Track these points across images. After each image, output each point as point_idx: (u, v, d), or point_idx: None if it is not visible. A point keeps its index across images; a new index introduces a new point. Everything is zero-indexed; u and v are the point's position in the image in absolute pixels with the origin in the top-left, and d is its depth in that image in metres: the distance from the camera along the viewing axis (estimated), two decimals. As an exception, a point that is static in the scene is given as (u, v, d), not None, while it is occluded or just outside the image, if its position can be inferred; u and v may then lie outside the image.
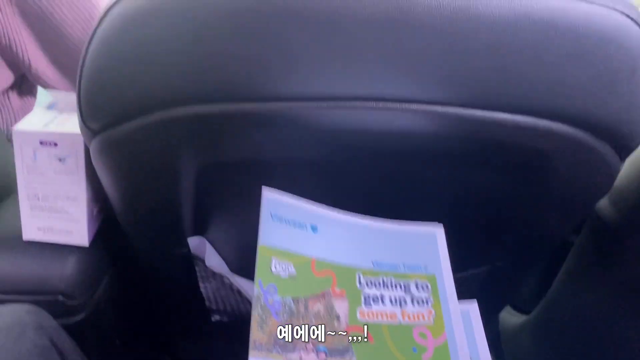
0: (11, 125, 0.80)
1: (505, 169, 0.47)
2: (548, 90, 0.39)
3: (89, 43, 0.39)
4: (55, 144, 0.52)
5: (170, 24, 0.37)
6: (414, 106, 0.40)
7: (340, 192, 0.48)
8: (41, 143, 0.52)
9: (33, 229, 0.57)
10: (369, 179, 0.49)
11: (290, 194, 0.47)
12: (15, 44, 0.68)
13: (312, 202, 0.48)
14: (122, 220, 0.56)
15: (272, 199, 0.46)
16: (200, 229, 0.57)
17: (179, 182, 0.48)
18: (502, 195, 0.50)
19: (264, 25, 0.36)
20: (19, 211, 0.57)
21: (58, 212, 0.56)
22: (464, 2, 0.35)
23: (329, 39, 0.37)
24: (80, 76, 0.41)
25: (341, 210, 0.48)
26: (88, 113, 0.43)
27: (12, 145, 0.70)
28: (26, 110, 0.82)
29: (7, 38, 0.67)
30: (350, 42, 0.37)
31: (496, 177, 0.48)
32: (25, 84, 0.79)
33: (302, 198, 0.48)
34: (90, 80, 0.40)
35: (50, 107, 0.57)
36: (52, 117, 0.55)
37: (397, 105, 0.40)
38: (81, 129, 0.46)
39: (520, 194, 0.49)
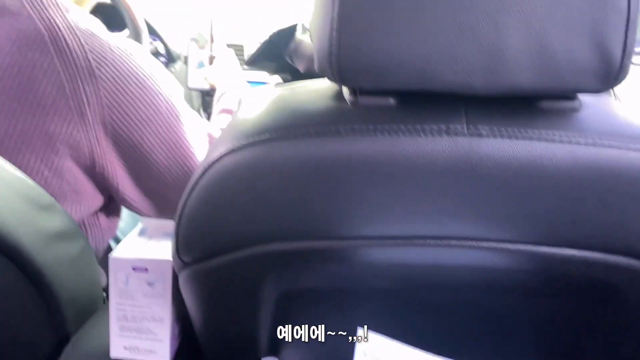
0: (99, 244, 0.86)
1: (577, 299, 0.48)
2: (614, 229, 0.41)
3: (191, 190, 0.44)
4: (146, 270, 0.57)
5: (260, 178, 0.42)
6: (485, 244, 0.43)
7: (415, 319, 0.50)
8: (134, 269, 0.57)
9: (120, 348, 0.60)
10: (441, 308, 0.51)
11: (383, 335, 0.49)
12: (108, 171, 0.76)
13: (406, 344, 0.50)
14: (201, 338, 0.59)
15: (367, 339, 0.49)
16: (274, 349, 0.59)
17: (259, 307, 0.52)
18: (575, 322, 0.51)
19: (343, 178, 0.41)
20: (105, 327, 0.61)
21: (144, 333, 0.59)
22: (530, 158, 0.39)
23: (402, 189, 0.41)
24: (180, 217, 0.46)
25: (434, 354, 0.50)
26: (183, 248, 0.48)
27: (98, 262, 0.76)
28: (112, 228, 0.89)
29: (100, 166, 0.75)
30: (422, 191, 0.41)
31: (568, 306, 0.49)
32: (111, 205, 0.87)
33: (394, 340, 0.50)
34: (189, 222, 0.45)
35: (141, 233, 0.63)
36: (143, 244, 0.60)
37: (468, 243, 0.43)
38: (174, 260, 0.50)
39: (593, 322, 0.50)
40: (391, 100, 0.43)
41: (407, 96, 0.43)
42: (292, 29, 0.72)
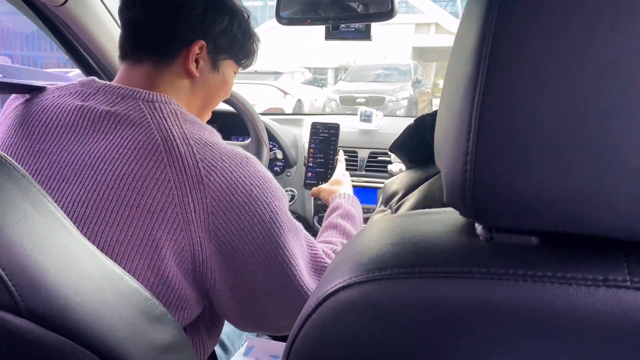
0: (201, 353, 0.85)
1: None
2: None
3: (303, 324, 0.41)
4: (249, 397, 0.54)
5: (379, 320, 0.37)
6: None
7: None
8: (236, 394, 0.54)
9: None
10: None
11: None
12: (207, 276, 0.75)
13: None
14: None
15: None
16: None
17: None
18: None
19: (475, 328, 0.35)
20: None
21: None
22: None
23: (546, 347, 0.34)
24: (289, 353, 0.42)
25: None
26: None
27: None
28: (214, 337, 0.87)
29: (201, 271, 0.74)
30: (571, 351, 0.34)
31: None
32: (213, 313, 0.86)
33: None
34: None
35: (247, 352, 0.60)
36: (248, 365, 0.57)
37: None
38: None
39: None
40: (533, 239, 0.38)
41: (552, 234, 0.37)
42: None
